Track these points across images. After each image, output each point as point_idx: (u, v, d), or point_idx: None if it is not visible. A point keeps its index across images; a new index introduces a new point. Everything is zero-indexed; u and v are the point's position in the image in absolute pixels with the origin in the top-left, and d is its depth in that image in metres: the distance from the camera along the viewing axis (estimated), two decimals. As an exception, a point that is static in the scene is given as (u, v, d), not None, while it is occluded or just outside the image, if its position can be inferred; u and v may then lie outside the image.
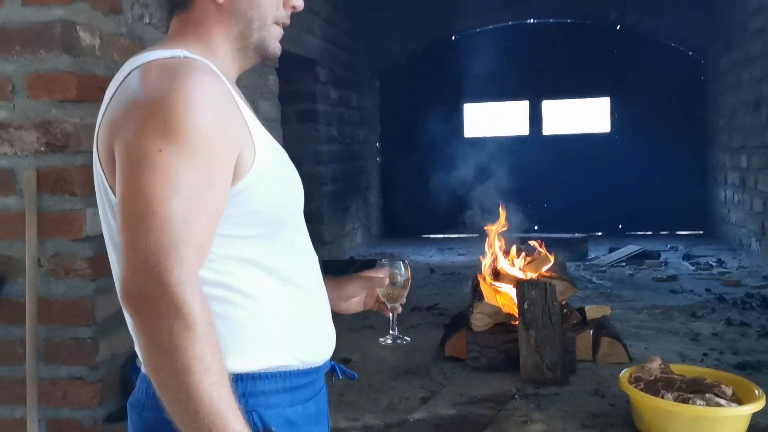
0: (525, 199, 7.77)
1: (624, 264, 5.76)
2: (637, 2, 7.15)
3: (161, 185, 1.00)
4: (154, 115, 1.02)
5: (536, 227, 7.58)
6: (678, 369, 2.49)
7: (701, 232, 7.50)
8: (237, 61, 1.24)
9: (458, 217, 6.50)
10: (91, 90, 2.43)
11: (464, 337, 3.06)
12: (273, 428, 1.12)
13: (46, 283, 2.43)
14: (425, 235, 8.10)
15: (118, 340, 2.56)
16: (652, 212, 7.60)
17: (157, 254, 0.98)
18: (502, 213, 3.81)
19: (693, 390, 2.29)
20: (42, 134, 2.37)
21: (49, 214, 2.40)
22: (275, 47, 1.24)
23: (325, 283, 1.33)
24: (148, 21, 2.81)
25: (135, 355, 2.10)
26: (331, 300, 1.34)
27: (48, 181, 2.39)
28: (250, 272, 1.13)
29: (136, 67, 1.10)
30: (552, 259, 3.42)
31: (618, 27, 7.54)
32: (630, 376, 2.43)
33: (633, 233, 7.65)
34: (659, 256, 5.98)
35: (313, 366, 1.21)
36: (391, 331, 1.55)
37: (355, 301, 1.50)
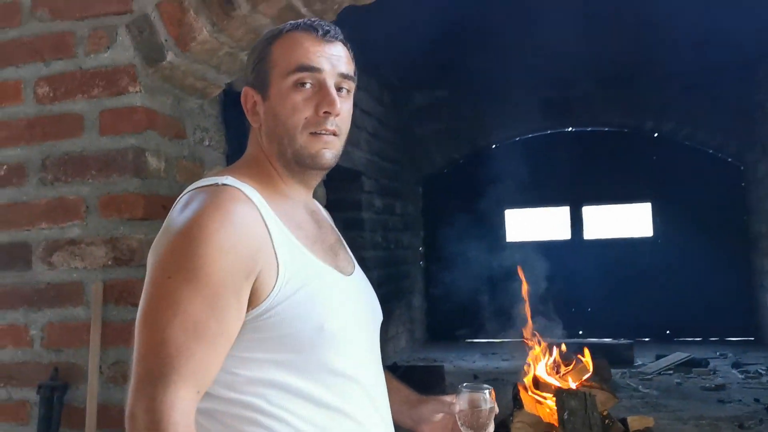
0: (568, 303, 7.79)
1: (671, 372, 5.70)
2: (673, 111, 7.36)
3: (164, 311, 1.09)
4: (172, 243, 1.13)
5: (581, 332, 7.56)
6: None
7: (752, 339, 7.36)
8: (293, 176, 1.29)
9: (502, 321, 6.54)
10: (155, 209, 2.65)
11: (505, 447, 3.09)
12: None
13: (105, 390, 2.57)
14: (469, 340, 8.11)
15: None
16: (700, 318, 7.52)
17: (148, 378, 1.06)
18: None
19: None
20: (110, 249, 2.58)
21: (112, 323, 2.57)
22: (314, 154, 1.26)
23: (399, 398, 1.37)
24: (207, 143, 3.06)
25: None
26: (405, 417, 1.39)
27: (113, 292, 2.58)
28: (279, 395, 1.15)
29: (186, 192, 1.26)
30: (591, 368, 3.45)
31: (656, 135, 7.71)
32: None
33: (681, 339, 7.54)
34: (708, 363, 5.90)
35: None
36: None
37: (439, 426, 1.41)
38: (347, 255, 1.38)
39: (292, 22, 1.33)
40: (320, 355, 1.17)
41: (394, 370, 5.18)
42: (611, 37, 6.44)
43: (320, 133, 1.25)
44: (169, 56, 2.55)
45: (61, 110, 2.62)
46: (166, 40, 2.54)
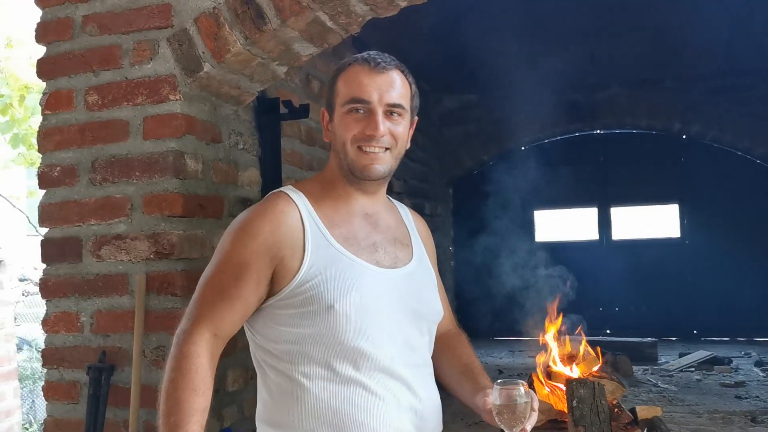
0: (596, 303, 7.90)
1: (693, 369, 5.78)
2: (700, 113, 7.41)
3: (206, 276, 1.48)
4: (226, 230, 1.52)
5: (608, 331, 7.65)
6: (717, 466, 2.63)
7: (780, 339, 7.39)
8: (351, 184, 1.56)
9: (530, 319, 6.67)
10: (193, 207, 2.87)
11: (519, 433, 3.26)
12: None
13: (148, 372, 2.79)
14: (498, 338, 8.25)
15: (208, 423, 2.90)
16: (727, 318, 7.56)
17: (186, 315, 1.48)
18: (554, 314, 4.03)
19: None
20: (152, 244, 2.80)
21: (154, 311, 2.79)
22: (363, 168, 1.52)
23: (469, 386, 1.58)
24: (241, 147, 3.29)
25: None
26: (470, 403, 1.58)
27: (155, 283, 2.80)
28: (303, 360, 1.43)
29: None
30: (601, 360, 3.61)
31: (684, 137, 7.77)
32: (670, 471, 2.59)
33: (708, 339, 7.59)
34: (730, 362, 5.96)
35: None
36: None
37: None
38: (396, 253, 1.57)
39: (354, 56, 1.58)
40: (333, 331, 1.42)
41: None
42: (637, 39, 6.54)
43: (367, 151, 1.51)
44: (206, 67, 2.78)
45: (109, 116, 2.87)
46: (203, 53, 2.77)
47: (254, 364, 1.59)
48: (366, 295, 1.45)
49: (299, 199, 1.51)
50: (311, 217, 1.49)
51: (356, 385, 1.42)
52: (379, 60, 1.53)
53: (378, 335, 1.44)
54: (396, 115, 1.53)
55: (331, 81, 1.58)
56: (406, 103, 1.55)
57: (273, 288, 1.47)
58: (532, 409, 1.44)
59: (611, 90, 7.65)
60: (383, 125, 1.50)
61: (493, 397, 1.41)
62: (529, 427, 1.42)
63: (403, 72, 1.57)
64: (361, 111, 1.51)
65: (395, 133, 1.52)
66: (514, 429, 1.39)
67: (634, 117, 7.73)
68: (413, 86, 1.60)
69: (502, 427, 1.41)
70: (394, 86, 1.53)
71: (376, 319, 1.45)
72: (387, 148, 1.52)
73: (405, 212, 1.78)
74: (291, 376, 1.44)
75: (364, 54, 1.56)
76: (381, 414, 1.42)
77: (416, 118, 1.65)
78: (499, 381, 1.44)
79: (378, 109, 1.50)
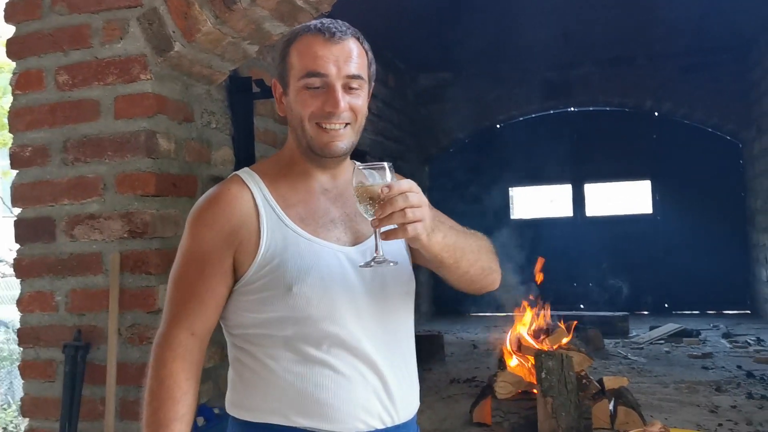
0: (570, 278, 8.03)
1: (662, 342, 5.92)
2: (671, 91, 7.51)
3: (173, 274, 1.46)
4: (187, 220, 1.49)
5: (582, 306, 7.79)
6: (677, 432, 2.73)
7: (748, 312, 7.57)
8: (311, 161, 1.47)
9: (505, 295, 6.77)
10: (166, 186, 2.89)
11: (489, 404, 3.35)
12: None
13: (123, 349, 2.80)
14: (473, 314, 8.36)
15: (181, 399, 2.94)
16: (698, 292, 7.73)
17: (161, 322, 1.45)
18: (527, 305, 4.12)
19: (687, 450, 2.54)
20: (126, 223, 2.81)
21: (128, 290, 2.80)
22: (323, 146, 1.42)
23: None
24: (214, 126, 3.30)
25: (195, 414, 2.50)
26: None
27: (129, 262, 2.81)
28: (271, 345, 1.41)
29: None
30: (569, 333, 3.70)
31: (655, 114, 7.87)
32: (632, 437, 2.68)
33: (679, 312, 7.76)
34: (699, 334, 6.11)
35: (319, 430, 1.38)
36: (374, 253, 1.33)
37: None
38: (357, 227, 1.48)
39: (305, 24, 1.47)
40: (295, 313, 1.39)
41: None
42: (610, 18, 6.59)
43: (327, 128, 1.41)
44: (177, 46, 2.78)
45: (80, 96, 2.87)
46: (173, 32, 2.77)
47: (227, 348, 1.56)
48: (325, 275, 1.39)
49: (253, 181, 1.47)
50: (265, 199, 1.44)
51: (322, 365, 1.39)
52: (334, 29, 1.42)
53: (340, 315, 1.40)
54: (355, 87, 1.42)
55: (282, 52, 1.47)
56: (364, 73, 1.44)
57: (236, 274, 1.44)
58: (389, 188, 1.25)
59: (585, 68, 7.73)
60: (343, 100, 1.40)
61: (354, 178, 1.30)
62: (388, 210, 1.23)
63: (359, 39, 1.46)
64: (319, 86, 1.41)
65: (355, 107, 1.42)
66: (370, 212, 1.26)
67: (607, 95, 7.82)
68: (369, 53, 1.48)
69: (364, 214, 1.29)
70: (352, 56, 1.42)
71: (337, 298, 1.40)
72: (347, 124, 1.43)
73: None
74: (257, 358, 1.43)
75: (317, 22, 1.45)
76: (347, 394, 1.39)
77: (373, 84, 1.53)
78: (359, 165, 1.31)
79: (336, 83, 1.40)
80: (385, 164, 1.29)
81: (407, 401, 1.49)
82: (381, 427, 1.42)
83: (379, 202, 1.24)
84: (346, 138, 1.44)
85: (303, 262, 1.39)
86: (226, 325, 1.50)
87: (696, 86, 7.38)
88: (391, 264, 1.33)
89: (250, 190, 1.45)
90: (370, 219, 1.27)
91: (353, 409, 1.39)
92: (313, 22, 1.46)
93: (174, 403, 1.38)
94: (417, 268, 1.61)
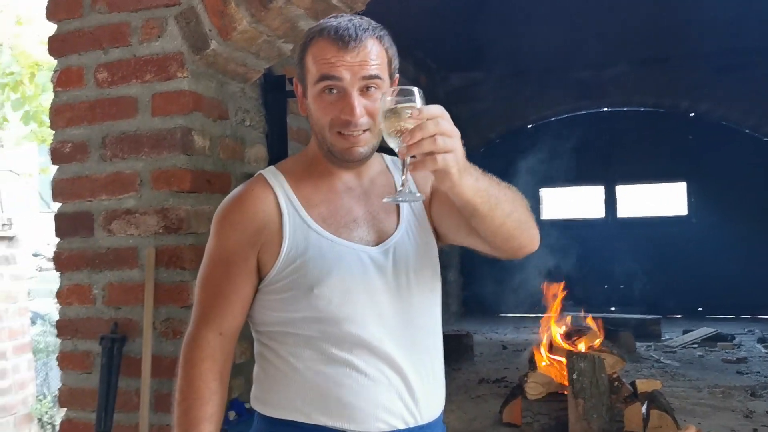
0: (601, 280, 7.95)
1: (696, 346, 5.84)
2: (708, 91, 7.40)
3: (200, 275, 1.48)
4: (213, 220, 1.50)
5: (613, 308, 7.72)
6: (711, 437, 2.70)
7: (785, 317, 7.44)
8: (333, 162, 1.46)
9: (536, 296, 6.74)
10: (201, 182, 2.92)
11: (519, 404, 3.34)
12: None
13: (158, 343, 2.85)
14: (503, 314, 8.33)
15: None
16: (732, 296, 7.60)
17: (191, 322, 1.48)
18: (556, 294, 4.09)
19: (721, 455, 2.51)
20: (161, 218, 2.85)
21: (163, 284, 2.85)
22: (344, 152, 1.40)
23: None
24: (248, 124, 3.33)
25: (227, 409, 2.53)
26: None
27: (164, 257, 2.85)
28: (294, 344, 1.42)
29: None
30: (602, 335, 3.67)
31: (692, 114, 7.76)
32: (665, 441, 2.66)
33: (712, 316, 7.65)
34: (733, 338, 6.02)
35: (340, 429, 1.39)
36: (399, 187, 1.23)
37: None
38: (380, 225, 1.48)
39: (321, 25, 1.43)
40: (318, 314, 1.39)
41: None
42: (645, 17, 6.52)
43: (346, 134, 1.38)
44: (213, 44, 2.82)
45: (118, 93, 2.92)
46: (210, 30, 2.81)
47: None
48: (347, 277, 1.39)
49: (277, 181, 1.47)
50: (288, 199, 1.44)
51: (344, 365, 1.39)
52: (347, 36, 1.36)
53: (362, 316, 1.39)
54: (373, 88, 1.38)
55: (300, 54, 1.45)
56: (383, 72, 1.39)
57: (260, 274, 1.45)
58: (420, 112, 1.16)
59: (619, 67, 7.64)
60: (359, 106, 1.35)
61: (381, 106, 1.20)
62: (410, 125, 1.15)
63: (378, 38, 1.40)
64: (334, 90, 1.38)
65: (372, 110, 1.36)
66: (398, 141, 1.16)
67: (642, 95, 7.72)
68: (390, 49, 1.42)
69: (391, 145, 1.20)
70: (369, 59, 1.36)
71: (359, 299, 1.39)
72: (366, 129, 1.38)
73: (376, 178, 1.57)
74: (281, 356, 1.44)
75: (333, 22, 1.40)
76: (369, 394, 1.38)
77: (397, 76, 1.47)
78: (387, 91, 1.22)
79: (351, 89, 1.36)
80: (415, 89, 1.19)
81: (432, 401, 1.48)
82: (403, 427, 1.41)
83: (407, 131, 1.14)
84: (366, 143, 1.41)
85: (324, 264, 1.39)
86: (252, 322, 1.52)
87: (733, 87, 7.26)
88: (418, 196, 1.24)
89: (273, 190, 1.45)
90: (398, 148, 1.17)
91: (375, 410, 1.39)
92: (330, 22, 1.42)
93: (203, 403, 1.41)
94: (446, 268, 1.59)
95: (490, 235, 1.36)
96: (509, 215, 1.34)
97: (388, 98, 1.18)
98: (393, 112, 1.16)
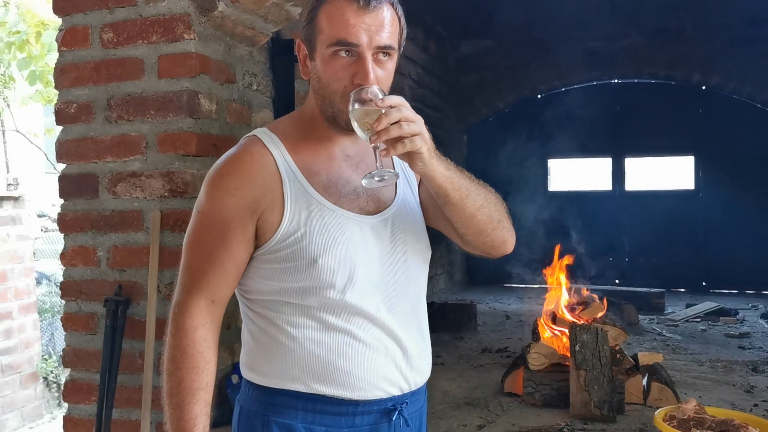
0: (607, 253, 7.93)
1: (699, 320, 5.84)
2: (720, 65, 7.29)
3: (190, 240, 1.42)
4: (203, 185, 1.43)
5: (617, 281, 7.72)
6: (712, 411, 2.70)
7: (790, 293, 7.43)
8: (334, 127, 1.42)
9: (540, 267, 6.74)
10: (207, 146, 2.91)
11: (522, 375, 3.35)
12: None
13: (162, 306, 2.87)
14: (507, 284, 8.34)
15: (219, 357, 3.00)
16: (737, 270, 7.58)
17: (179, 289, 1.42)
18: (561, 264, 4.08)
19: (721, 429, 2.50)
20: (167, 182, 2.85)
21: (168, 248, 2.86)
22: (348, 120, 1.33)
23: None
24: (255, 88, 3.30)
25: (230, 372, 2.53)
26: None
27: (169, 220, 2.86)
28: (291, 313, 1.40)
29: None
30: (605, 307, 3.67)
31: (703, 87, 7.67)
32: (665, 414, 2.65)
33: (717, 291, 7.64)
34: (737, 313, 6.02)
35: (339, 397, 1.39)
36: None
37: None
38: (378, 195, 1.47)
39: None
40: (318, 283, 1.38)
41: (428, 307, 5.45)
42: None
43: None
44: (221, 6, 2.78)
45: (124, 54, 2.89)
46: (217, -8, 2.77)
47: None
48: (350, 247, 1.38)
49: (274, 145, 1.42)
50: (288, 165, 1.40)
51: (343, 333, 1.39)
52: None
53: (362, 285, 1.39)
54: (385, 56, 1.37)
55: (311, 13, 1.40)
56: (395, 41, 1.38)
57: (257, 242, 1.41)
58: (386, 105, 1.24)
59: (631, 38, 7.53)
60: (373, 72, 1.34)
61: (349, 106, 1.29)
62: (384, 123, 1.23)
63: (392, 5, 1.38)
64: (348, 53, 1.35)
65: (382, 78, 1.36)
66: (368, 132, 1.25)
67: (654, 66, 7.62)
68: (402, 19, 1.41)
69: (358, 132, 1.30)
70: (384, 25, 1.35)
71: (360, 269, 1.39)
72: None
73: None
74: (276, 324, 1.42)
75: None
76: (368, 362, 1.40)
77: (403, 46, 1.46)
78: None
79: (367, 54, 1.34)
80: (375, 86, 1.31)
81: (423, 368, 1.53)
82: (398, 393, 1.45)
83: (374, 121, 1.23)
84: None
85: (328, 234, 1.37)
86: (243, 290, 1.48)
87: (747, 60, 7.15)
88: (391, 173, 1.30)
89: (271, 153, 1.40)
90: (367, 138, 1.26)
91: (374, 378, 1.41)
92: None
93: (198, 373, 1.38)
94: (440, 235, 1.59)
95: (462, 227, 1.43)
96: (480, 209, 1.41)
97: (357, 106, 1.27)
98: (364, 113, 1.26)
